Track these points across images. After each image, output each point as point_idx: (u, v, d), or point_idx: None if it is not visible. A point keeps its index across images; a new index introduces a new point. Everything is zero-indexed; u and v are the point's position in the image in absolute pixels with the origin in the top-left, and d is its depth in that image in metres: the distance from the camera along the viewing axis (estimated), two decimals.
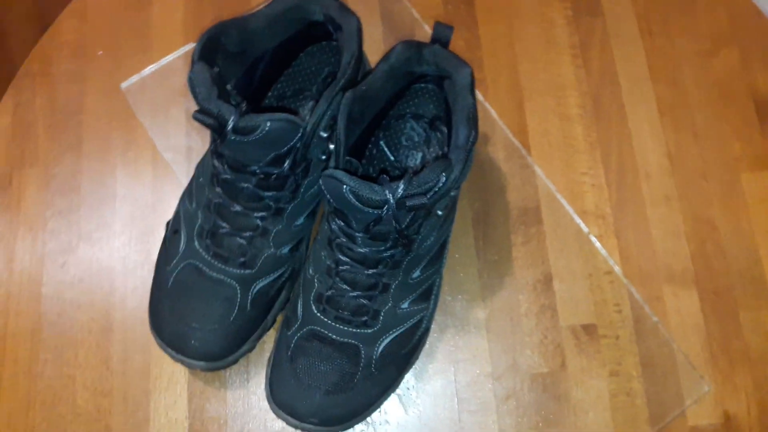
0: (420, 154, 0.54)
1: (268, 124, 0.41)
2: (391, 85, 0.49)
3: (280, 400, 0.48)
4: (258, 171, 0.45)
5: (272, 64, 0.52)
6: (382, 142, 0.54)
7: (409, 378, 0.53)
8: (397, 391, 0.53)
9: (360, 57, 0.48)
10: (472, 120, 0.45)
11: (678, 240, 0.57)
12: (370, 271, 0.47)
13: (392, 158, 0.54)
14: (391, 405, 0.53)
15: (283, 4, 0.48)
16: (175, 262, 0.50)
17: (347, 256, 0.46)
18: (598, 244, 0.57)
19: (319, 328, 0.48)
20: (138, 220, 0.57)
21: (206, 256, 0.49)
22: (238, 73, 0.49)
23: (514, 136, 0.60)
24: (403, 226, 0.42)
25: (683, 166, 0.59)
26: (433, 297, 0.51)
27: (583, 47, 0.62)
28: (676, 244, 0.57)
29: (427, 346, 0.54)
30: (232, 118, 0.40)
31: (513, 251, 0.57)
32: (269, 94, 0.55)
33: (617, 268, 0.56)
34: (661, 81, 0.61)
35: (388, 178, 0.42)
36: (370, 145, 0.54)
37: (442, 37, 0.47)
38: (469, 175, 0.53)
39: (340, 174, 0.40)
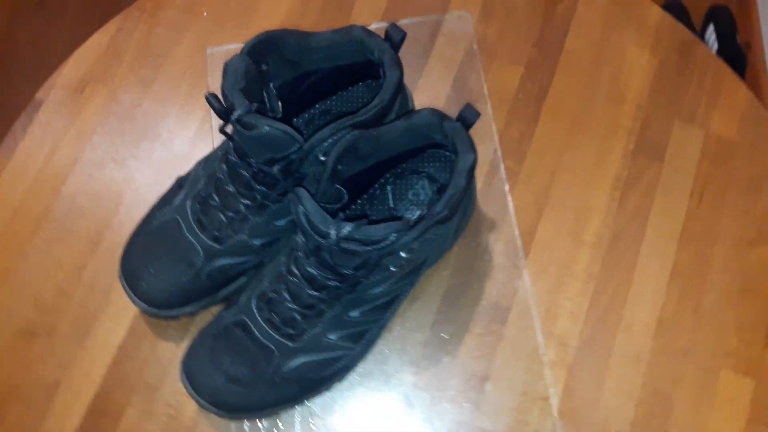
0: (418, 213, 0.56)
1: (266, 128, 0.45)
2: (407, 140, 0.52)
3: (188, 367, 0.52)
4: (254, 165, 0.49)
5: (324, 82, 0.56)
6: (389, 188, 0.57)
7: (315, 405, 0.55)
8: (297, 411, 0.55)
9: (389, 106, 0.51)
10: (453, 202, 0.47)
11: (627, 402, 0.55)
12: (313, 293, 0.49)
13: (392, 205, 0.56)
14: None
15: (348, 35, 0.52)
16: (165, 210, 0.55)
17: (298, 270, 0.49)
18: (547, 370, 0.56)
19: (249, 322, 0.51)
20: (165, 165, 0.63)
21: (190, 218, 0.54)
22: (287, 78, 0.53)
23: (519, 236, 0.60)
24: (342, 264, 0.44)
25: (668, 335, 0.57)
26: (364, 341, 0.53)
27: (627, 183, 0.62)
28: (623, 404, 0.55)
29: (347, 384, 0.56)
30: (238, 111, 0.45)
31: (465, 337, 0.57)
32: (317, 106, 0.59)
33: (554, 400, 0.55)
34: (688, 248, 0.60)
35: (366, 222, 0.44)
36: (376, 186, 0.56)
37: (467, 117, 0.49)
38: (457, 250, 0.55)
39: (303, 194, 0.43)
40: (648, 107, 0.64)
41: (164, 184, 0.59)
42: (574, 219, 0.61)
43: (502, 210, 0.61)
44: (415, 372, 0.57)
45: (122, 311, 0.59)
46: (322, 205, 0.48)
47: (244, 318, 0.51)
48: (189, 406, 0.56)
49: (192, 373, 0.52)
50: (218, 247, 0.53)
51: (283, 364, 0.51)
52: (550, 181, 0.62)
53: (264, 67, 0.51)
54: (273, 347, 0.51)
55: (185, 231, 0.54)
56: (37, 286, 0.60)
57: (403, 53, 0.65)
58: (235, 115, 0.45)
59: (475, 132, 0.63)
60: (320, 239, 0.44)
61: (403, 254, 0.46)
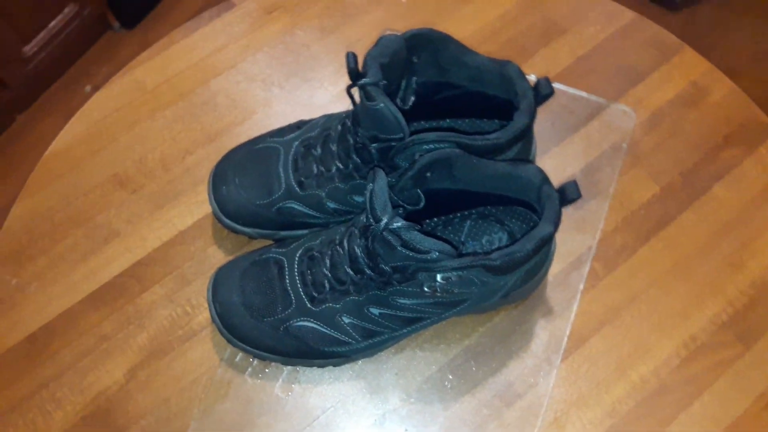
0: (473, 249, 0.56)
1: (381, 105, 0.47)
2: (503, 185, 0.52)
3: (219, 276, 0.55)
4: (359, 135, 0.51)
5: (462, 101, 0.57)
6: (468, 223, 0.57)
7: (303, 374, 0.57)
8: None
9: (505, 145, 0.51)
10: (510, 259, 0.46)
11: None
12: (349, 271, 0.51)
13: (462, 239, 0.57)
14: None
15: (502, 68, 0.53)
16: (275, 139, 0.59)
17: (347, 245, 0.51)
18: None
19: (286, 265, 0.54)
20: (300, 106, 0.68)
21: (290, 155, 0.57)
22: (430, 80, 0.55)
23: (568, 336, 0.58)
24: (382, 256, 0.45)
25: None
26: (371, 341, 0.54)
27: (700, 349, 0.58)
28: None
29: (338, 372, 0.57)
30: (367, 79, 0.47)
31: (466, 396, 0.56)
32: (446, 120, 0.60)
33: None
34: None
35: (419, 229, 0.45)
36: (458, 215, 0.57)
37: (567, 193, 0.48)
38: (501, 315, 0.54)
39: (380, 175, 0.45)
40: (763, 288, 0.60)
41: (289, 119, 0.63)
42: (628, 352, 0.58)
43: (566, 303, 0.59)
44: (402, 399, 0.56)
45: (199, 204, 0.63)
46: (396, 200, 0.50)
47: (284, 260, 0.54)
48: (204, 313, 0.60)
49: (219, 281, 0.55)
50: (298, 190, 0.56)
51: (294, 318, 0.53)
52: (626, 303, 0.60)
53: (415, 59, 0.53)
54: (293, 298, 0.53)
55: (280, 163, 0.57)
56: (147, 148, 0.66)
57: (553, 118, 0.65)
58: (363, 81, 0.47)
59: (580, 221, 0.62)
60: (372, 221, 0.45)
61: (439, 278, 0.46)
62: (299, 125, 0.60)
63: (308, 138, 0.58)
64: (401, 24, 0.71)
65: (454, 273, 0.45)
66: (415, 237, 0.44)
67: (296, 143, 0.58)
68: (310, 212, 0.57)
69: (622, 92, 0.67)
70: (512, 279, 0.51)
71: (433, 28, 0.52)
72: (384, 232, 0.44)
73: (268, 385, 0.57)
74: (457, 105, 0.57)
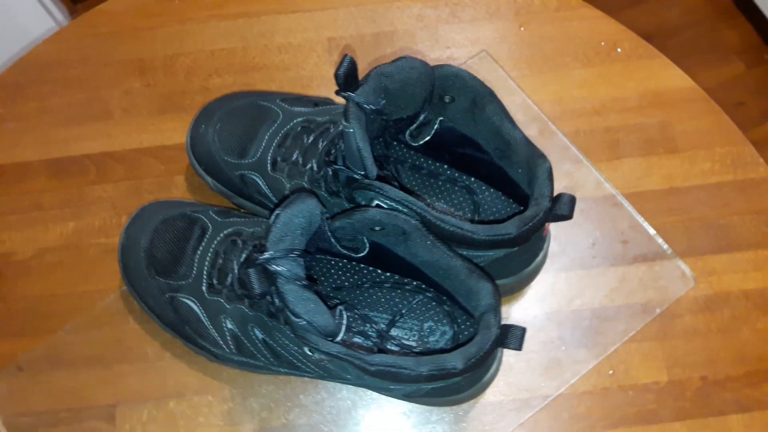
0: (396, 340, 0.47)
1: (351, 130, 0.39)
2: (451, 287, 0.42)
3: (145, 210, 0.51)
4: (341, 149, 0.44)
5: (484, 164, 0.47)
6: (420, 297, 0.48)
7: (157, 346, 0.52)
8: None
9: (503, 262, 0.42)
10: (382, 373, 0.37)
11: None
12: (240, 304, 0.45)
13: (404, 310, 0.48)
14: None
15: (531, 158, 0.43)
16: (283, 104, 0.52)
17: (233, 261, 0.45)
18: None
19: (207, 236, 0.48)
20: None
21: (283, 129, 0.50)
22: (455, 126, 0.46)
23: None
24: (251, 284, 0.38)
25: None
26: (244, 359, 0.47)
27: None
28: None
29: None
30: (357, 96, 0.39)
31: None
32: (458, 179, 0.51)
33: None
34: None
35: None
36: (414, 283, 0.48)
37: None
38: None
39: (304, 201, 0.37)
40: None
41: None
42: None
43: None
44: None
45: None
46: (330, 235, 0.42)
47: (210, 229, 0.49)
48: None
49: (140, 216, 0.51)
50: (268, 167, 0.50)
51: (183, 292, 0.47)
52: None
53: (447, 99, 0.44)
54: (195, 272, 0.47)
55: (269, 131, 0.51)
56: (183, 49, 0.61)
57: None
58: (348, 94, 0.39)
59: (555, 362, 0.51)
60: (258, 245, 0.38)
61: (306, 349, 0.38)
62: (320, 102, 0.53)
63: (312, 121, 0.50)
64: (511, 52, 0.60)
65: (318, 353, 0.37)
66: (291, 292, 0.36)
67: (299, 119, 0.51)
68: (270, 195, 0.50)
69: (696, 253, 0.54)
70: (406, 389, 0.42)
71: (484, 81, 0.42)
72: (262, 264, 0.36)
73: (147, 340, 0.52)
74: (479, 169, 0.48)
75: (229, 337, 0.46)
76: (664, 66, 0.59)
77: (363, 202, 0.43)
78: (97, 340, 0.53)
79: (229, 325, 0.46)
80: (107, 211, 0.56)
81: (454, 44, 0.61)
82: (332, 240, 0.42)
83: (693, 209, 0.55)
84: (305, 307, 0.36)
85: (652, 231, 0.54)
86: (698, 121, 0.57)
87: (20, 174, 0.58)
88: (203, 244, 0.48)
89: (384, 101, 0.41)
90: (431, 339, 0.47)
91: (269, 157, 0.50)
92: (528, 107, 0.59)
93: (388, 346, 0.47)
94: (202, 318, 0.47)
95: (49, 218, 0.56)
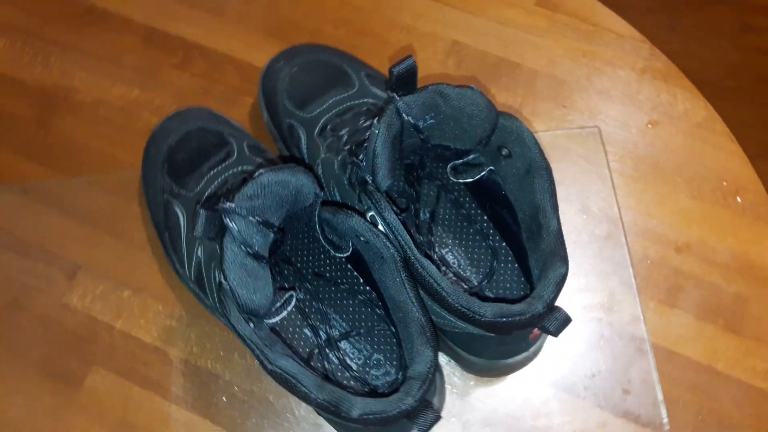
0: (341, 353, 0.44)
1: (377, 131, 0.35)
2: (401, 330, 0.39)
3: (190, 110, 0.51)
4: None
5: (513, 232, 0.43)
6: (362, 332, 0.44)
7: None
8: None
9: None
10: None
11: None
12: None
13: (341, 328, 0.45)
14: None
15: (548, 260, 0.38)
16: (355, 66, 0.50)
17: None
18: None
19: (233, 156, 0.48)
20: None
21: (356, 101, 0.48)
22: (499, 182, 0.41)
23: None
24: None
25: None
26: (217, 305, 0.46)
27: None
28: None
29: None
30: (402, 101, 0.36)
31: None
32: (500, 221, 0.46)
33: None
34: None
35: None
36: (368, 308, 0.44)
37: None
38: None
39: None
40: None
41: None
42: None
43: None
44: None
45: None
46: (317, 228, 0.39)
47: (234, 147, 0.48)
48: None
49: (186, 113, 0.50)
50: (318, 129, 0.48)
51: (176, 199, 0.47)
52: None
53: (504, 151, 0.39)
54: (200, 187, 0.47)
55: (336, 98, 0.48)
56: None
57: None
58: (398, 96, 0.36)
59: None
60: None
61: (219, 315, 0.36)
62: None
63: (380, 108, 0.48)
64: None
65: (228, 324, 0.35)
66: (231, 253, 0.34)
67: (369, 100, 0.49)
68: (305, 156, 0.48)
69: None
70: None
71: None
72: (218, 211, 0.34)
73: (138, 227, 0.52)
74: (509, 238, 0.43)
75: (194, 264, 0.45)
76: None
77: (364, 207, 0.39)
78: (100, 204, 0.54)
79: (199, 254, 0.45)
80: (171, 96, 0.57)
81: (572, 106, 0.56)
82: (317, 227, 0.39)
83: (718, 401, 0.47)
84: (238, 273, 0.34)
85: (660, 397, 0.47)
86: None
87: (119, 26, 0.59)
88: (220, 167, 0.47)
89: (432, 121, 0.37)
90: (372, 372, 0.44)
91: (322, 121, 0.48)
92: (610, 205, 0.53)
93: (330, 354, 0.44)
94: (182, 234, 0.46)
95: (121, 77, 0.57)
